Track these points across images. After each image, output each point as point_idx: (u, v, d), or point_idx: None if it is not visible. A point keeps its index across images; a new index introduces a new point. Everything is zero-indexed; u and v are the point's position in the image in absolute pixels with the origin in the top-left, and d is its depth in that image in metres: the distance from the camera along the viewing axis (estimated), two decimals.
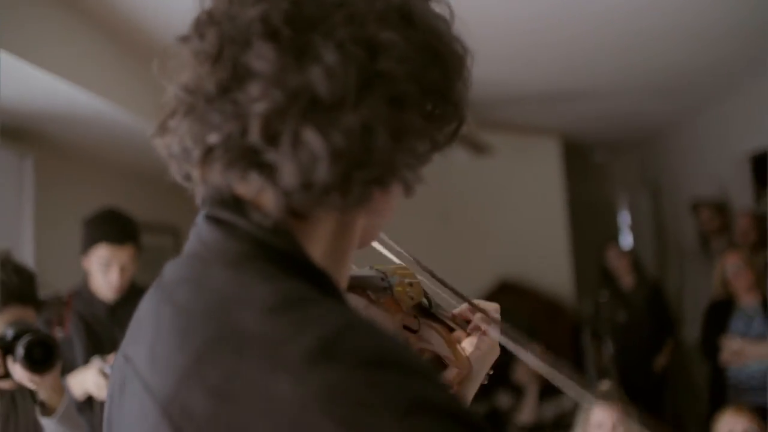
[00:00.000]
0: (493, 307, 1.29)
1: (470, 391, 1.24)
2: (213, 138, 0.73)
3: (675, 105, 6.51)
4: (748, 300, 4.72)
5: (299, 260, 0.75)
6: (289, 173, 0.71)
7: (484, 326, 1.25)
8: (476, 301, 1.28)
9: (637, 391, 5.22)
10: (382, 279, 1.10)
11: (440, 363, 1.16)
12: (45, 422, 2.13)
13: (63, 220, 4.12)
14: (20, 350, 2.07)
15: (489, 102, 5.82)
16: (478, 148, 5.88)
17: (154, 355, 0.73)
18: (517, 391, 5.38)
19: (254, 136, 0.71)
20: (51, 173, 4.31)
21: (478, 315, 1.25)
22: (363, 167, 0.72)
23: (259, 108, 0.70)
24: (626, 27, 4.46)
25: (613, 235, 8.31)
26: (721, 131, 6.41)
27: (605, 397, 3.60)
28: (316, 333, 0.63)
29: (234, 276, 0.73)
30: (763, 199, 5.92)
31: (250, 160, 0.72)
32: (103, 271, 3.09)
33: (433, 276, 1.17)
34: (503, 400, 5.43)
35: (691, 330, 6.09)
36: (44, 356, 2.09)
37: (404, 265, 1.19)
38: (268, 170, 0.72)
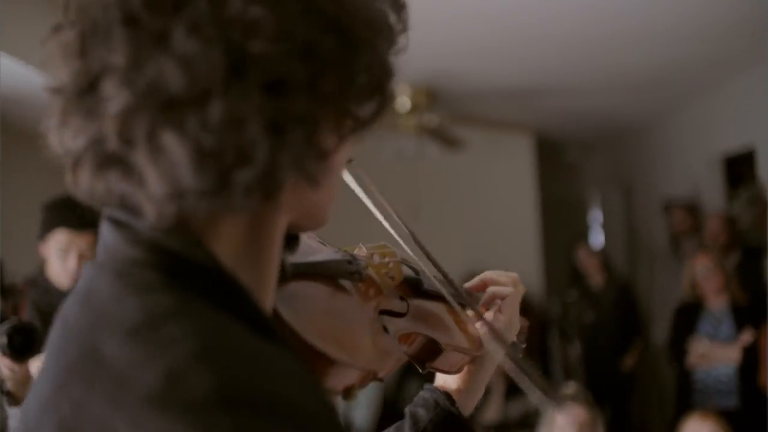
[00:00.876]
0: (509, 280, 1.22)
1: (486, 371, 1.19)
2: (78, 142, 0.66)
3: (648, 104, 6.52)
4: (716, 302, 4.71)
5: (196, 264, 0.68)
6: (153, 181, 0.64)
7: (498, 301, 1.19)
8: (492, 273, 1.22)
9: (603, 393, 5.21)
10: (350, 262, 0.99)
11: (435, 348, 1.08)
12: (12, 412, 2.08)
13: (28, 207, 4.03)
14: (2, 338, 2.03)
15: (462, 96, 5.78)
16: (449, 142, 5.83)
17: (38, 377, 0.69)
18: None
19: (111, 140, 0.63)
20: (16, 158, 4.21)
21: (492, 289, 1.19)
22: (243, 167, 0.63)
23: (112, 108, 0.62)
24: (602, 25, 4.44)
25: (584, 233, 8.31)
26: (693, 132, 6.41)
27: (571, 399, 3.55)
28: (160, 368, 0.58)
29: (117, 288, 0.66)
30: (734, 201, 5.93)
31: (116, 166, 0.65)
32: (61, 258, 2.98)
33: (426, 253, 1.09)
34: None
35: (660, 331, 6.10)
36: (25, 344, 2.05)
37: (384, 243, 1.11)
38: (136, 177, 0.65)
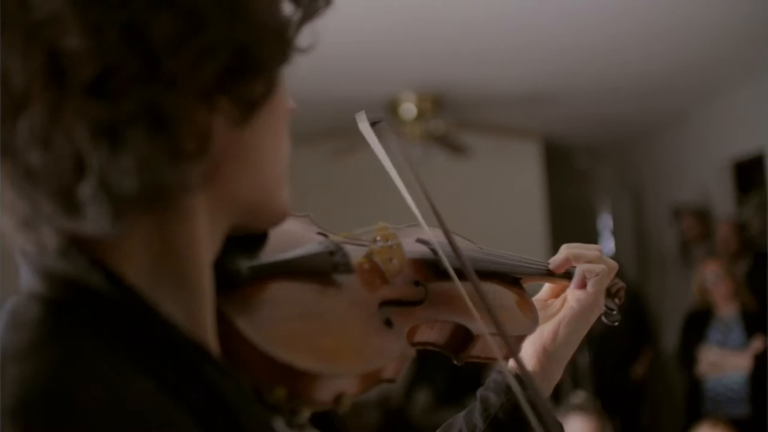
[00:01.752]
0: (597, 254, 1.12)
1: (565, 352, 1.10)
2: None
3: (657, 110, 6.49)
4: (726, 310, 4.68)
5: (89, 290, 0.60)
6: (10, 204, 0.59)
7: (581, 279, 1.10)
8: (576, 248, 1.13)
9: (613, 401, 5.17)
10: (332, 253, 0.86)
11: (466, 335, 0.97)
12: None
13: None
14: None
15: (468, 102, 5.76)
16: (456, 148, 5.81)
17: None
18: None
19: None
20: None
21: (585, 267, 1.10)
22: (80, 180, 0.56)
23: None
24: (609, 30, 4.41)
25: (593, 240, 8.26)
26: (703, 137, 6.38)
27: (580, 409, 3.51)
28: None
29: (2, 329, 0.60)
30: (744, 207, 5.89)
31: None
32: None
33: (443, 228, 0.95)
34: None
35: (671, 339, 6.06)
36: None
37: (383, 224, 0.98)
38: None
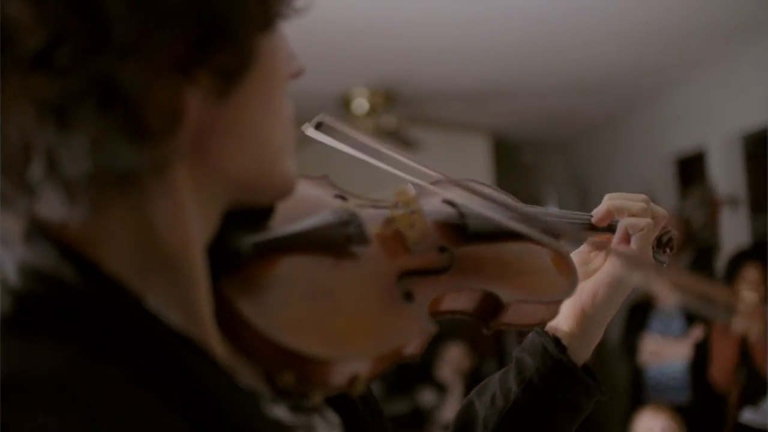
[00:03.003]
0: (641, 207, 1.03)
1: (607, 312, 1.02)
2: None
3: (602, 106, 6.60)
4: (668, 300, 4.79)
5: (60, 283, 0.56)
6: None
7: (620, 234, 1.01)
8: (619, 200, 1.03)
9: None
10: (345, 223, 0.78)
11: (496, 302, 0.88)
12: None
13: None
14: None
15: (420, 98, 5.80)
16: (407, 143, 5.86)
17: None
18: (441, 389, 5.37)
19: None
20: None
21: (627, 221, 1.02)
22: (29, 163, 0.52)
23: None
24: (556, 28, 4.49)
25: None
26: (646, 133, 6.51)
27: None
28: None
29: None
30: (687, 201, 6.04)
31: None
32: None
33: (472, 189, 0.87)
34: (427, 398, 5.42)
35: (614, 330, 6.18)
36: None
37: (403, 188, 0.90)
38: None
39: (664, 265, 1.09)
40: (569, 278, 0.97)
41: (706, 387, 4.36)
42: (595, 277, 1.03)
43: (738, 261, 4.34)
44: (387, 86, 5.45)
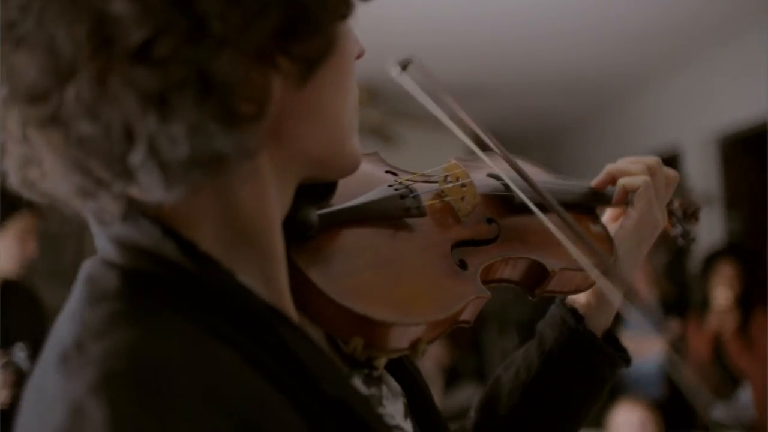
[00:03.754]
0: (641, 167, 1.03)
1: (605, 304, 1.02)
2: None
3: (582, 104, 6.66)
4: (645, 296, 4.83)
5: (164, 259, 0.60)
6: (59, 178, 0.58)
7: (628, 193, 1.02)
8: (620, 163, 1.05)
9: None
10: (403, 197, 0.83)
11: (541, 270, 0.92)
12: None
13: None
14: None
15: (401, 94, 5.82)
16: (387, 138, 5.89)
17: None
18: None
19: (7, 137, 0.59)
20: None
21: (622, 181, 1.03)
22: (131, 149, 0.55)
23: None
24: (536, 26, 4.53)
25: None
26: (625, 131, 6.57)
27: None
28: (66, 403, 0.51)
29: (77, 300, 0.61)
30: None
31: (31, 163, 0.60)
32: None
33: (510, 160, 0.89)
34: None
35: None
36: None
37: (453, 161, 0.95)
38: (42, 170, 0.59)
39: (692, 235, 1.08)
40: (606, 246, 1.00)
41: (681, 382, 4.41)
42: None
43: (713, 259, 4.41)
44: (370, 81, 5.48)
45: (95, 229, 0.64)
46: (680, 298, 4.85)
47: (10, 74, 0.55)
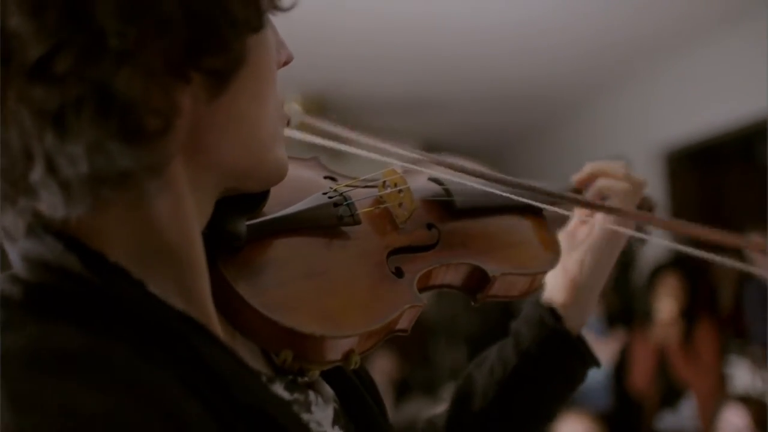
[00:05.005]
0: (621, 172, 1.03)
1: (596, 279, 1.04)
2: None
3: (529, 118, 6.73)
4: None
5: (67, 273, 0.58)
6: None
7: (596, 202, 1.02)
8: (601, 164, 1.04)
9: None
10: (336, 204, 0.81)
11: (482, 276, 0.90)
12: None
13: None
14: None
15: (354, 106, 5.83)
16: (338, 152, 5.87)
17: None
18: None
19: None
20: None
21: (601, 182, 1.04)
22: (31, 167, 0.53)
23: None
24: (485, 39, 4.57)
25: None
26: (573, 144, 6.64)
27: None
28: None
29: None
30: None
31: None
32: None
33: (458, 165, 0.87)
34: None
35: None
36: None
37: (392, 168, 0.92)
38: None
39: (644, 235, 1.08)
40: (552, 249, 1.00)
41: (626, 393, 4.46)
42: (581, 247, 1.06)
43: (658, 271, 4.47)
44: (319, 93, 5.47)
45: (6, 244, 0.62)
46: (625, 310, 4.91)
47: None
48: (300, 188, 0.84)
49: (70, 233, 0.59)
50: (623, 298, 5.05)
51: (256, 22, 0.61)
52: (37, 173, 0.53)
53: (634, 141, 5.65)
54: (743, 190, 5.27)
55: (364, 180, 0.93)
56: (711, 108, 4.83)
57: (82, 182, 0.54)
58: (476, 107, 6.20)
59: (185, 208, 0.63)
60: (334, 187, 0.87)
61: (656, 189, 5.53)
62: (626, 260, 5.70)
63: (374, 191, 0.90)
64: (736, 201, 5.31)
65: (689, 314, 4.27)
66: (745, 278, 4.62)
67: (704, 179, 5.52)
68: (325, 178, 0.92)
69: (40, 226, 0.58)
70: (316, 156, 0.96)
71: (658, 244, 0.93)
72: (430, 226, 0.91)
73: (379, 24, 4.30)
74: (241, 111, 0.65)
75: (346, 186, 0.89)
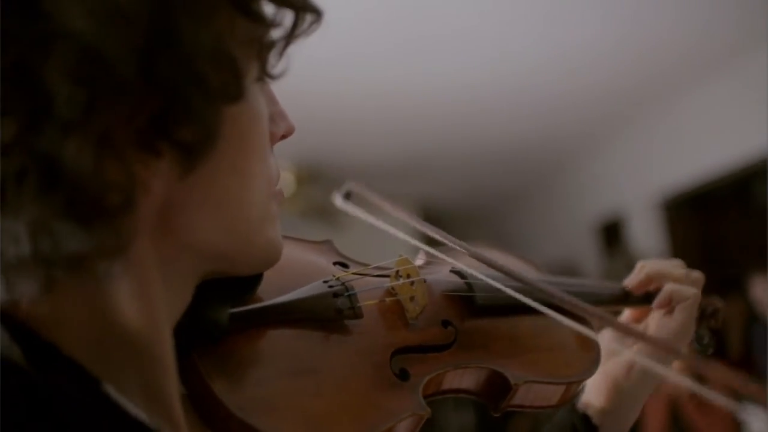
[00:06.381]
0: (684, 275, 0.93)
1: (644, 386, 0.91)
2: None
3: (522, 175, 6.77)
4: None
5: (9, 365, 0.49)
6: None
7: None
8: (659, 265, 0.94)
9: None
10: (336, 295, 0.72)
11: (504, 383, 0.79)
12: None
13: None
14: None
15: (347, 172, 5.84)
16: (329, 218, 5.87)
17: None
18: None
19: None
20: None
21: (671, 288, 0.92)
22: None
23: None
24: (474, 100, 4.59)
25: None
26: (568, 199, 6.65)
27: None
28: None
29: None
30: (612, 264, 6.14)
31: None
32: None
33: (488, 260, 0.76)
34: None
35: None
36: None
37: (403, 256, 0.82)
38: None
39: (706, 340, 0.98)
40: (590, 355, 0.88)
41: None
42: (632, 347, 0.94)
43: None
44: (312, 160, 5.48)
45: None
46: None
47: None
48: (302, 273, 0.76)
49: (21, 318, 0.51)
50: None
51: (234, 90, 0.53)
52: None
53: (631, 190, 5.66)
54: (743, 233, 5.25)
55: (377, 268, 0.83)
56: (706, 152, 4.84)
57: (23, 264, 0.47)
58: (471, 169, 6.21)
59: (151, 295, 0.55)
60: (338, 275, 0.78)
61: (656, 237, 5.50)
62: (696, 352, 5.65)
63: (386, 281, 0.80)
64: (736, 244, 5.28)
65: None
66: (751, 320, 4.57)
67: (703, 224, 5.50)
68: (335, 263, 0.83)
69: None
70: (330, 240, 0.89)
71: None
72: (446, 324, 0.81)
73: (367, 89, 4.31)
74: (222, 188, 0.58)
75: (356, 274, 0.80)
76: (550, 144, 5.78)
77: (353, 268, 0.82)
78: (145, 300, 0.55)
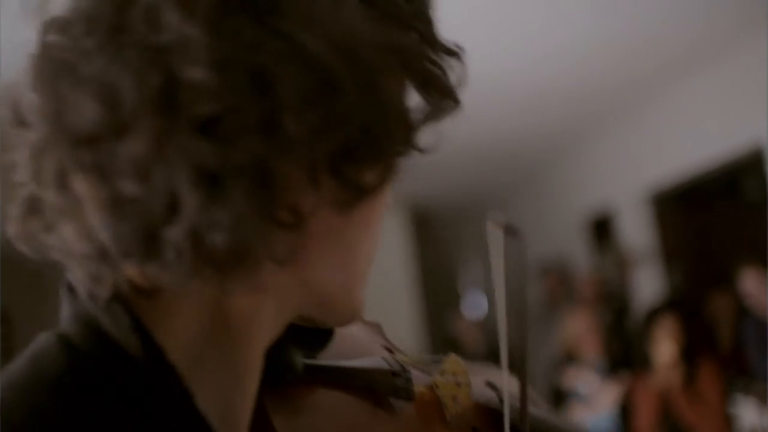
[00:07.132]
0: None
1: None
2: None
3: (513, 171, 6.76)
4: (591, 355, 4.84)
5: (125, 355, 0.52)
6: (70, 236, 0.52)
7: None
8: None
9: None
10: (395, 374, 0.74)
11: None
12: None
13: None
14: None
15: None
16: None
17: None
18: None
19: (28, 180, 0.54)
20: None
21: None
22: (170, 223, 0.48)
23: (26, 142, 0.53)
24: (466, 95, 4.59)
25: (457, 299, 8.55)
26: (559, 194, 6.67)
27: None
28: None
29: (14, 377, 0.53)
30: (604, 260, 6.17)
31: (36, 213, 0.55)
32: None
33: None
34: None
35: (542, 385, 6.21)
36: None
37: (456, 358, 0.83)
38: (55, 230, 0.53)
39: None
40: None
41: None
42: None
43: (654, 314, 4.43)
44: None
45: (64, 297, 0.57)
46: (625, 356, 4.86)
47: (60, 112, 0.49)
48: (360, 345, 0.79)
49: (136, 310, 0.54)
50: (623, 343, 5.01)
51: (407, 144, 0.58)
52: (175, 230, 0.48)
53: (621, 185, 5.68)
54: (732, 228, 5.28)
55: (421, 360, 0.85)
56: (696, 147, 4.86)
57: (212, 251, 0.49)
58: (460, 165, 6.21)
59: (265, 317, 0.58)
60: (395, 357, 0.80)
61: (647, 232, 5.52)
62: (621, 306, 5.68)
63: (431, 376, 0.81)
64: (726, 239, 5.30)
65: (689, 355, 4.22)
66: (741, 314, 4.60)
67: (693, 218, 5.52)
68: (383, 347, 0.86)
69: (112, 292, 0.53)
70: (380, 324, 0.91)
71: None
72: (475, 429, 0.82)
73: None
74: (354, 237, 0.61)
75: (403, 361, 0.82)
76: (539, 140, 5.80)
77: (397, 355, 0.83)
78: (259, 319, 0.58)
